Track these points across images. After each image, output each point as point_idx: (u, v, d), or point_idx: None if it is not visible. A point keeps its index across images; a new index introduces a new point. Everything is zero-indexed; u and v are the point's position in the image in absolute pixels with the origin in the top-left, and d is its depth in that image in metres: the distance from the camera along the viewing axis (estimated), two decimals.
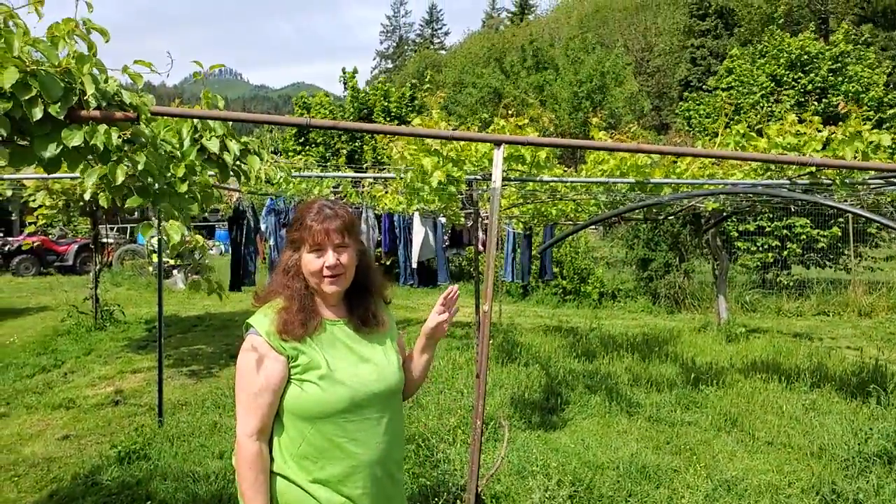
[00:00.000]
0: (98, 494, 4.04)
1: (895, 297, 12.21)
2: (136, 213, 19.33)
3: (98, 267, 9.75)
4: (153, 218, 5.69)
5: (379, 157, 15.33)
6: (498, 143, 2.53)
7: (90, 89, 1.93)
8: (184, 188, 2.71)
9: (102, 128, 2.03)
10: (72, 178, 6.72)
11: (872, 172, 5.28)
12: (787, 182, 5.96)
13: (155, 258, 14.89)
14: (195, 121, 2.75)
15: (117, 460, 4.47)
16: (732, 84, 16.48)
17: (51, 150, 1.94)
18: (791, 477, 4.31)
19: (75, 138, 1.94)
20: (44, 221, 8.79)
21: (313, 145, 17.21)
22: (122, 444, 4.65)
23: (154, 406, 5.56)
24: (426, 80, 18.89)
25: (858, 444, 4.53)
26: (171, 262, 14.74)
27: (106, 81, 2.06)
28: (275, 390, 1.74)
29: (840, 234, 13.47)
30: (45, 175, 6.05)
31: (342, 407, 1.77)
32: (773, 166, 6.26)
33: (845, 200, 6.43)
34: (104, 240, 13.57)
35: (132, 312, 10.61)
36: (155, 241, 12.94)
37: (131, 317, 10.21)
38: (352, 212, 1.94)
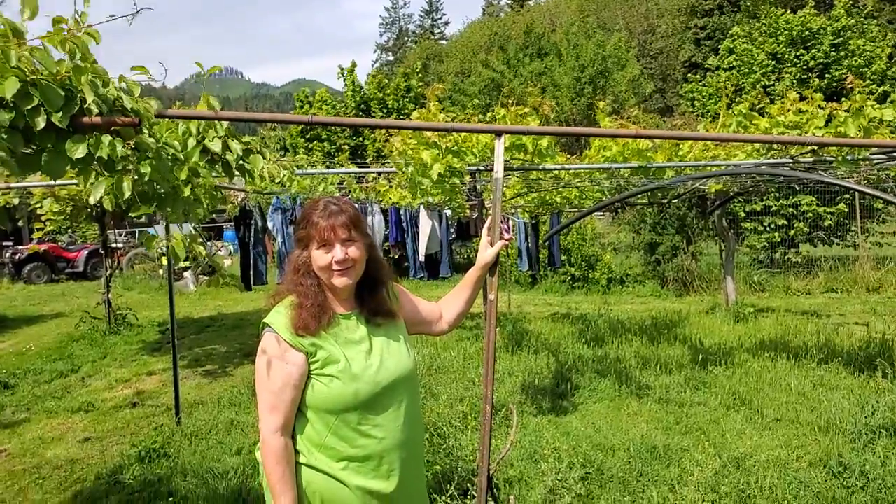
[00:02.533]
0: (121, 493, 4.14)
1: None
2: (143, 216, 19.52)
3: (109, 272, 9.87)
4: (160, 221, 5.77)
5: (381, 152, 15.38)
6: (499, 134, 2.57)
7: (90, 97, 1.96)
8: (188, 192, 2.77)
9: (107, 139, 2.06)
10: (77, 185, 6.82)
11: (874, 148, 5.28)
12: (790, 161, 5.96)
13: (165, 261, 15.05)
14: (197, 122, 2.81)
15: (138, 459, 4.57)
16: (734, 64, 16.38)
17: (63, 171, 1.99)
18: (799, 451, 4.36)
19: (79, 150, 1.95)
20: (52, 228, 8.89)
21: (318, 140, 17.29)
22: (142, 443, 4.75)
23: (171, 406, 5.66)
24: (417, 70, 18.81)
25: (865, 418, 4.57)
26: (182, 264, 14.87)
27: (106, 86, 2.09)
28: (296, 386, 1.80)
29: (847, 210, 13.40)
30: (52, 182, 6.14)
31: (364, 397, 1.84)
32: (775, 145, 6.26)
33: (851, 177, 6.42)
34: (113, 244, 13.70)
35: (145, 315, 10.74)
36: (163, 245, 13.10)
37: (144, 320, 10.34)
38: (357, 207, 2.00)
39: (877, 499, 3.62)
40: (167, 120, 2.78)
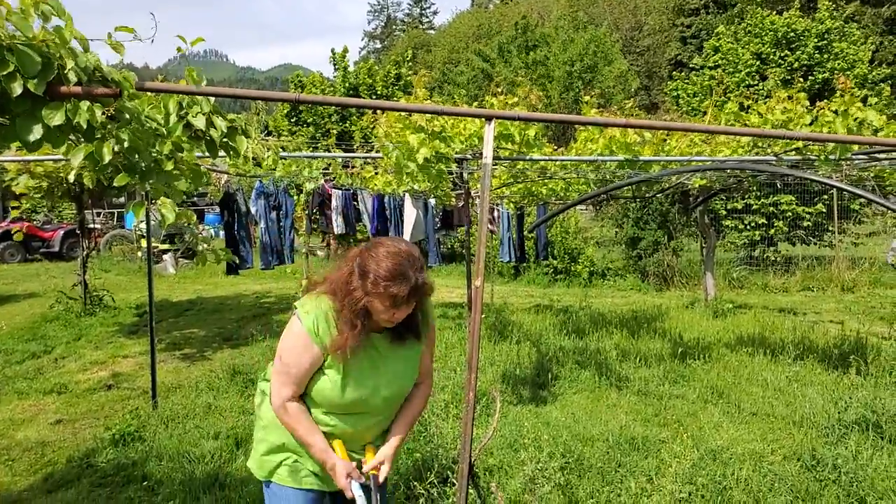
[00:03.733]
0: (93, 476, 4.07)
1: (877, 272, 12.39)
2: (123, 197, 19.17)
3: (85, 252, 9.69)
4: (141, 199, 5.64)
5: (367, 138, 15.24)
6: (489, 119, 2.53)
7: (70, 63, 1.88)
8: (170, 166, 2.70)
9: (85, 105, 1.99)
10: (55, 161, 6.65)
11: (856, 148, 5.34)
12: (774, 158, 6.01)
13: (144, 243, 14.82)
14: (181, 97, 2.73)
15: (112, 443, 4.49)
16: (719, 62, 16.50)
17: (36, 133, 1.91)
18: (774, 445, 4.41)
19: (56, 117, 1.89)
20: (29, 206, 8.69)
21: (304, 125, 17.08)
22: (116, 426, 4.67)
23: (147, 389, 5.57)
24: (408, 58, 18.67)
25: (838, 413, 4.64)
26: (161, 246, 14.65)
27: (86, 51, 2.01)
28: (313, 369, 2.02)
29: (825, 210, 13.61)
30: (27, 157, 5.98)
31: (349, 405, 2.04)
32: (760, 143, 6.32)
33: (829, 176, 6.50)
34: (91, 225, 13.45)
35: (122, 298, 10.57)
36: (144, 225, 12.89)
37: (121, 302, 10.18)
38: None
39: (848, 492, 3.68)
40: (149, 95, 2.71)
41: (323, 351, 1.98)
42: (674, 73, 22.00)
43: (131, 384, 6.12)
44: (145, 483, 3.91)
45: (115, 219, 21.35)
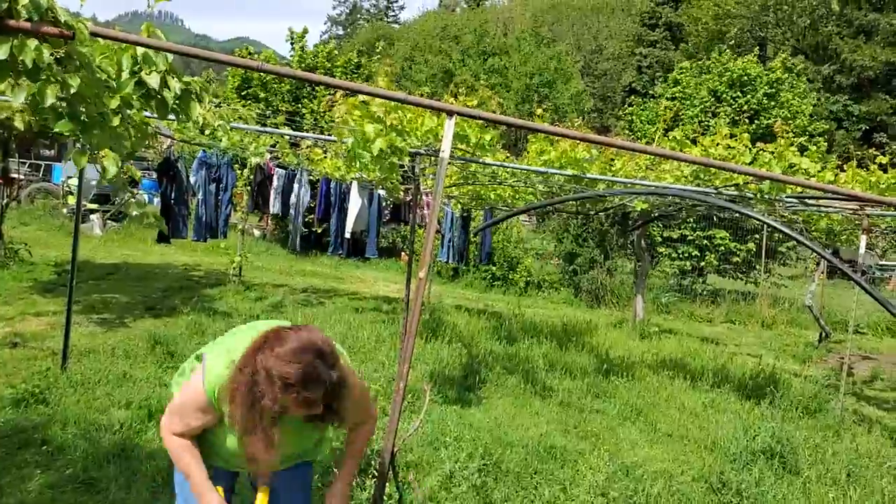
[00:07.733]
0: None
1: (795, 313, 13.11)
2: (52, 150, 18.16)
3: (5, 201, 9.13)
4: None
5: (318, 122, 14.96)
6: (450, 114, 2.54)
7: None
8: (116, 121, 2.57)
9: (33, 42, 1.89)
10: None
11: (790, 190, 5.64)
12: (714, 191, 6.28)
13: (71, 200, 14.06)
14: (136, 53, 2.61)
15: (12, 403, 4.22)
16: (677, 95, 17.11)
17: None
18: (685, 466, 4.59)
19: (1, 51, 1.82)
20: None
21: (254, 101, 16.58)
22: (21, 385, 4.40)
23: (57, 351, 5.27)
24: (377, 49, 18.48)
25: (747, 441, 4.86)
26: (90, 206, 13.96)
27: None
28: (203, 427, 1.96)
29: (755, 249, 14.30)
30: None
31: (240, 459, 1.99)
32: (702, 175, 6.58)
33: (763, 214, 6.83)
34: (14, 174, 12.69)
35: (41, 254, 10.00)
36: (74, 181, 12.25)
37: (39, 258, 9.62)
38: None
39: None
40: (103, 44, 2.57)
41: (220, 415, 1.88)
42: (628, 98, 22.65)
43: (40, 344, 5.78)
44: (44, 448, 3.70)
45: (42, 172, 20.17)
